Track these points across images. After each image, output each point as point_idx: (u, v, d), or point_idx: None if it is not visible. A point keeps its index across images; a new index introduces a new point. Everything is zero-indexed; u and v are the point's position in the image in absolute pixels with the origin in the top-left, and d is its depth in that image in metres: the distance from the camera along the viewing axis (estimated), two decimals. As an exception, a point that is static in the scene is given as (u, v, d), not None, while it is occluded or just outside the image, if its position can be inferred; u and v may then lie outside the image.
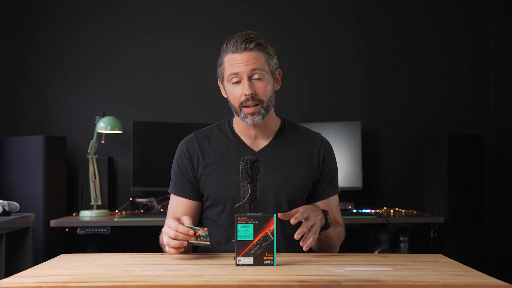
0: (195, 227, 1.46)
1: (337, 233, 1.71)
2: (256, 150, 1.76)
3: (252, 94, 1.65)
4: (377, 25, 3.70)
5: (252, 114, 1.68)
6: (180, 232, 1.44)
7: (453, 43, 3.71)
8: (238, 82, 1.68)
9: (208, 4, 3.65)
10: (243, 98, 1.67)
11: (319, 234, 1.60)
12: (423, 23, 3.72)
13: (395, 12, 3.71)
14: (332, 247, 1.71)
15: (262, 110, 1.69)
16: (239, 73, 1.66)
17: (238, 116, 1.72)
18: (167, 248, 1.49)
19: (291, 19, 3.68)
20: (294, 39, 3.64)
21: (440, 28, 3.71)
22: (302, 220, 1.48)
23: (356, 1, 3.71)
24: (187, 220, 1.48)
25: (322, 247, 1.69)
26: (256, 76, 1.67)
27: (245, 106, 1.68)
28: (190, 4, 3.64)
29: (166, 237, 1.47)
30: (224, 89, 1.76)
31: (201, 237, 1.47)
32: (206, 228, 1.49)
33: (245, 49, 1.66)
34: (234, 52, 1.67)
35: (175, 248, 1.47)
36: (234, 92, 1.68)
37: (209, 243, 1.48)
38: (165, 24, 3.62)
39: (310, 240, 1.47)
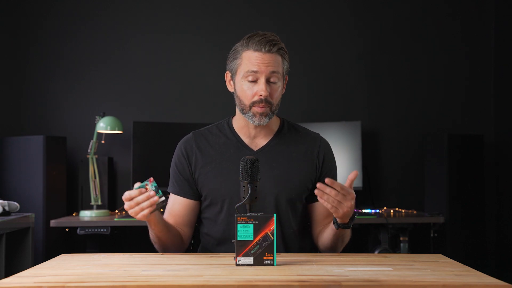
0: (142, 184, 1.48)
1: (349, 233, 1.71)
2: (255, 149, 1.76)
3: (267, 96, 1.66)
4: (377, 25, 3.70)
5: (261, 114, 1.68)
6: (136, 197, 1.47)
7: (453, 43, 3.71)
8: (254, 81, 1.67)
9: (209, 5, 3.65)
10: (256, 98, 1.66)
11: (336, 228, 1.60)
12: (423, 23, 3.72)
13: (395, 12, 3.71)
14: (342, 245, 1.71)
15: (270, 113, 1.69)
16: (259, 72, 1.66)
17: (244, 114, 1.71)
18: (135, 215, 1.50)
19: (291, 19, 3.68)
20: (294, 39, 3.63)
21: (440, 28, 3.71)
22: (337, 189, 1.47)
23: (356, 1, 3.71)
24: (136, 185, 1.50)
25: (335, 245, 1.69)
26: (273, 79, 1.68)
27: (256, 106, 1.68)
28: (190, 4, 3.64)
29: (129, 208, 1.49)
30: (233, 83, 1.74)
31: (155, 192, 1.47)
32: (151, 178, 1.50)
33: (269, 51, 1.66)
34: (256, 50, 1.66)
35: (140, 212, 1.48)
36: (248, 90, 1.68)
37: (163, 198, 1.49)
38: (165, 24, 3.62)
39: (329, 199, 1.46)
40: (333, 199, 1.47)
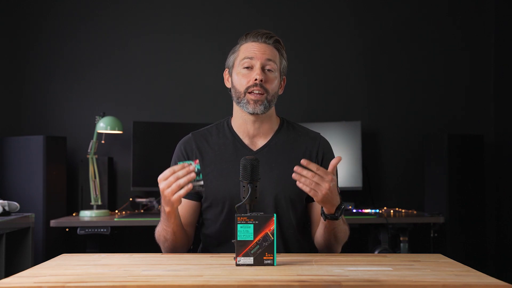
0: (187, 161, 1.45)
1: (344, 230, 1.70)
2: (254, 149, 1.76)
3: (262, 80, 1.67)
4: (377, 25, 3.70)
5: (256, 101, 1.69)
6: (178, 171, 1.44)
7: (453, 43, 3.71)
8: (249, 68, 1.70)
9: (208, 5, 3.65)
10: (251, 82, 1.68)
11: (324, 219, 1.59)
12: (423, 23, 3.72)
13: (395, 12, 3.71)
14: (337, 243, 1.69)
15: (266, 102, 1.70)
16: (254, 58, 1.69)
17: (239, 103, 1.72)
18: (171, 195, 1.46)
19: (291, 19, 3.68)
20: (294, 39, 3.63)
21: (440, 28, 3.71)
22: (313, 170, 1.46)
23: (356, 1, 3.71)
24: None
25: (329, 242, 1.67)
26: (268, 67, 1.70)
27: (250, 92, 1.68)
28: (190, 4, 3.64)
29: (167, 187, 1.45)
30: (230, 78, 1.76)
31: (196, 176, 1.45)
32: (197, 160, 1.46)
33: (264, 42, 1.71)
34: (253, 41, 1.72)
35: (177, 190, 1.45)
36: (243, 77, 1.70)
37: (202, 182, 1.46)
38: (165, 25, 3.62)
39: (306, 181, 1.45)
40: (310, 181, 1.46)
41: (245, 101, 1.69)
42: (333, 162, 1.49)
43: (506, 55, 3.58)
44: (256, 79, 1.67)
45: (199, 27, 3.63)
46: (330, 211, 1.56)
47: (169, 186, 1.45)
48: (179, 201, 1.50)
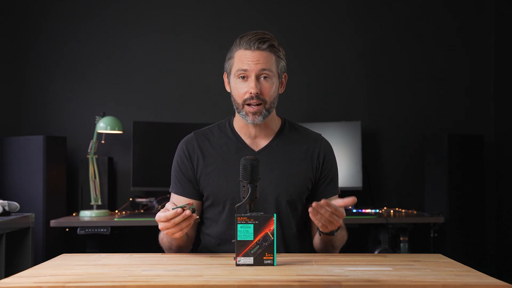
0: (180, 206, 1.46)
1: (342, 238, 1.71)
2: (256, 149, 1.76)
3: (257, 93, 1.66)
4: (377, 25, 3.70)
5: (254, 113, 1.68)
6: (173, 218, 1.44)
7: (453, 43, 3.71)
8: (245, 78, 1.68)
9: (208, 5, 3.65)
10: (247, 95, 1.67)
11: (319, 234, 1.61)
12: (423, 23, 3.72)
13: (395, 12, 3.71)
14: (335, 249, 1.71)
15: (264, 111, 1.69)
16: (248, 70, 1.67)
17: (239, 113, 1.72)
18: (171, 235, 1.50)
19: (291, 19, 3.68)
20: (294, 39, 3.64)
21: (440, 28, 3.71)
22: (331, 211, 1.45)
23: (356, 1, 3.71)
24: (169, 206, 1.48)
25: (326, 249, 1.70)
26: (263, 76, 1.68)
27: (248, 104, 1.68)
28: (190, 4, 3.64)
29: (165, 229, 1.48)
30: (229, 83, 1.76)
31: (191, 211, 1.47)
32: (191, 202, 1.48)
33: (258, 48, 1.67)
34: (246, 49, 1.68)
35: (179, 231, 1.47)
36: (240, 88, 1.69)
37: (197, 216, 1.49)
38: (165, 25, 3.62)
39: (321, 218, 1.45)
40: (325, 218, 1.46)
41: (244, 112, 1.70)
42: (347, 201, 1.46)
43: (506, 55, 3.58)
44: (251, 93, 1.66)
45: (199, 27, 3.63)
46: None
47: (168, 228, 1.47)
48: (182, 235, 1.52)
